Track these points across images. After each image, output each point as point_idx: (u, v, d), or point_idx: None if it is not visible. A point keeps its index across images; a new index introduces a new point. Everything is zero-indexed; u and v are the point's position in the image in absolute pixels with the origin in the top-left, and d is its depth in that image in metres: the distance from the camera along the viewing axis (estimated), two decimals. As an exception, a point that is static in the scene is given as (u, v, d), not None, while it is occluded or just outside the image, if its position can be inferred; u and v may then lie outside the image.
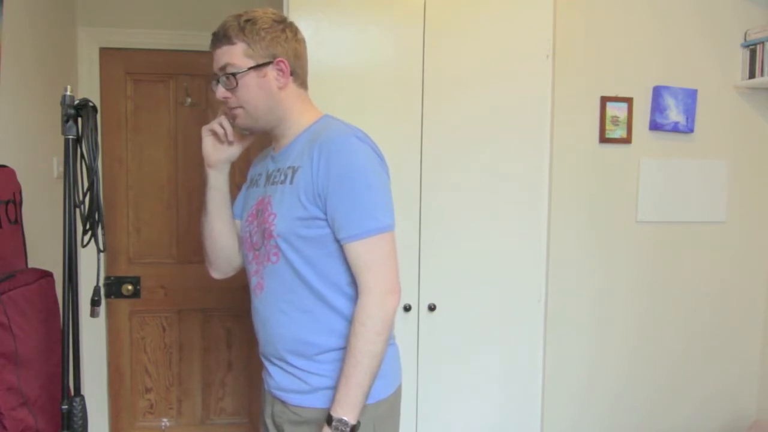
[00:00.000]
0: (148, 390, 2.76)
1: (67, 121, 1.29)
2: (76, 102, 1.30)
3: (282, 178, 1.35)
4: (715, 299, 2.41)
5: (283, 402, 1.38)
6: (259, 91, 1.33)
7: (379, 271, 1.26)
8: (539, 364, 2.23)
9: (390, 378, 1.39)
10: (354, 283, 1.31)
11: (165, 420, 2.77)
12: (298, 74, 1.37)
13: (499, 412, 2.21)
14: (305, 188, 1.28)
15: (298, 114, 1.38)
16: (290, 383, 1.36)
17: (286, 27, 1.36)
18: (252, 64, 1.31)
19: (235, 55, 1.31)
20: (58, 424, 1.36)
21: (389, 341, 1.36)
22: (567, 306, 2.29)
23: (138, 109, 2.69)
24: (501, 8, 2.11)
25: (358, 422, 1.24)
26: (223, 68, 1.32)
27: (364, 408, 1.28)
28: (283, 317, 1.35)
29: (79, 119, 1.31)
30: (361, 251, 1.26)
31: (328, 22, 2.04)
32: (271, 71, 1.32)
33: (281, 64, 1.33)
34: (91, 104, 1.31)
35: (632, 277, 2.34)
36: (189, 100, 2.70)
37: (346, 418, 1.22)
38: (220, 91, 1.34)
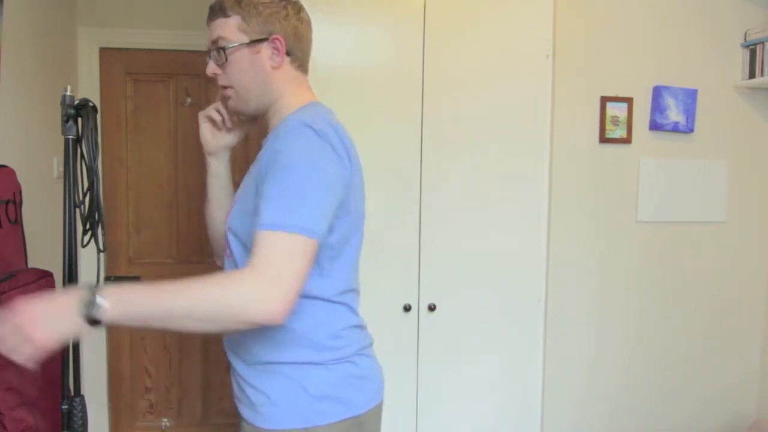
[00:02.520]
0: (148, 390, 2.76)
1: (67, 121, 1.29)
2: (76, 102, 1.30)
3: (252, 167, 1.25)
4: (715, 299, 2.41)
5: (239, 412, 1.26)
6: (250, 69, 1.21)
7: (265, 269, 0.99)
8: (539, 364, 2.23)
9: (341, 402, 1.17)
10: (303, 295, 1.11)
11: (165, 420, 2.77)
12: (297, 55, 1.24)
13: (500, 412, 2.21)
14: (255, 175, 1.16)
15: (289, 98, 1.24)
16: (238, 392, 1.24)
17: (287, 4, 1.23)
18: (245, 39, 1.19)
19: (229, 28, 1.20)
20: (58, 424, 1.36)
21: (346, 358, 1.19)
22: (567, 306, 2.29)
23: (138, 109, 2.69)
24: (501, 8, 2.11)
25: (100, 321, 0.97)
26: (215, 42, 1.22)
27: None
28: None
29: (79, 119, 1.31)
30: (266, 241, 1.01)
31: (328, 22, 2.04)
32: (265, 49, 1.20)
33: (277, 42, 1.20)
34: (91, 104, 1.31)
35: (632, 277, 2.34)
36: (189, 100, 2.70)
37: (101, 301, 0.96)
38: (210, 67, 1.24)
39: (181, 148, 2.72)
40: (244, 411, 1.21)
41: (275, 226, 1.01)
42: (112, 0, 2.61)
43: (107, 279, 2.67)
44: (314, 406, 1.14)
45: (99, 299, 0.95)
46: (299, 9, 1.26)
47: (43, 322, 0.95)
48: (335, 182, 1.11)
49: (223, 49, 1.21)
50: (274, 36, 1.20)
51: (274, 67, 1.22)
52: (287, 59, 1.23)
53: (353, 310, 1.25)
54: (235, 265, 1.21)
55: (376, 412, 1.25)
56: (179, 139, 2.71)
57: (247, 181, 1.22)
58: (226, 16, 1.21)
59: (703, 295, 2.39)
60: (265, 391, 1.16)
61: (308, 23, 1.28)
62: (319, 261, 1.13)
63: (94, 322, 0.97)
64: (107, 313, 0.96)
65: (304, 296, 1.12)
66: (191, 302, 0.97)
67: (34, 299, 0.98)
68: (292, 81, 1.26)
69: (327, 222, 1.08)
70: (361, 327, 1.27)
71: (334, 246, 1.15)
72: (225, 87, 1.26)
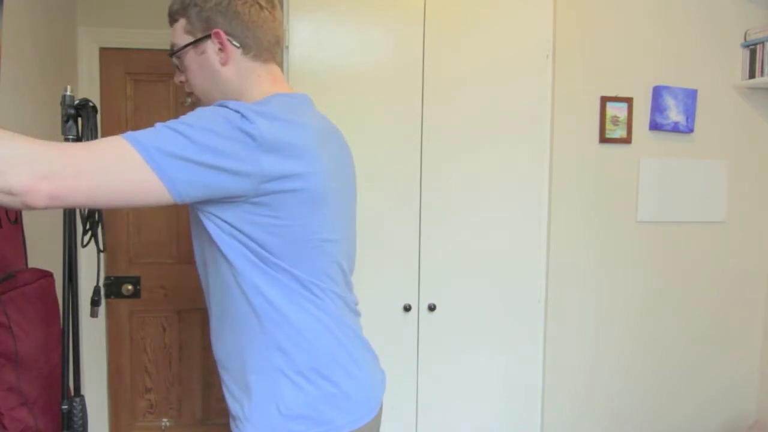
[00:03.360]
0: (148, 390, 2.76)
1: (67, 121, 1.29)
2: (76, 102, 1.30)
3: None
4: (715, 299, 2.41)
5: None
6: (201, 70, 1.15)
7: (60, 152, 0.87)
8: (539, 364, 2.23)
9: (317, 422, 1.09)
10: (259, 296, 1.06)
11: (165, 420, 2.77)
12: (249, 45, 1.14)
13: (500, 412, 2.21)
14: None
15: (252, 94, 1.15)
16: (225, 399, 1.19)
17: None
18: (190, 39, 1.14)
19: (177, 33, 1.15)
20: (58, 424, 1.36)
21: (311, 371, 1.09)
22: (567, 306, 2.29)
23: (138, 109, 2.69)
24: (501, 8, 2.11)
25: None
26: (171, 49, 1.18)
27: None
28: (212, 321, 1.20)
29: (79, 119, 1.31)
30: (100, 138, 0.93)
31: (328, 22, 2.04)
32: (210, 46, 1.13)
33: (218, 36, 1.12)
34: (91, 104, 1.31)
35: (632, 277, 2.34)
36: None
37: None
38: (176, 75, 1.21)
39: (181, 148, 2.71)
40: (230, 421, 1.17)
41: (125, 135, 0.92)
42: (112, 0, 2.61)
43: (107, 279, 2.67)
44: (287, 425, 1.07)
45: None
46: None
47: None
48: (219, 148, 0.95)
49: (174, 54, 1.17)
50: (214, 30, 1.12)
51: (222, 64, 1.14)
52: (237, 51, 1.14)
53: (324, 309, 1.13)
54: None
55: (368, 429, 1.15)
56: (179, 139, 2.71)
57: None
58: (174, 20, 1.17)
59: (703, 295, 2.39)
60: (242, 405, 1.11)
61: (262, 6, 1.16)
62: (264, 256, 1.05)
63: None
64: None
65: (262, 298, 1.07)
66: None
67: None
68: (249, 73, 1.16)
69: (182, 168, 0.93)
70: (342, 325, 1.16)
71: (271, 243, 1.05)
72: (188, 93, 1.22)
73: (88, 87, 2.59)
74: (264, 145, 0.98)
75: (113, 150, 0.90)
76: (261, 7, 1.15)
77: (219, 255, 1.07)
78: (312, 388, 1.09)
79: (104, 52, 2.64)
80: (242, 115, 0.98)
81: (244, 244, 1.04)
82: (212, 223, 1.04)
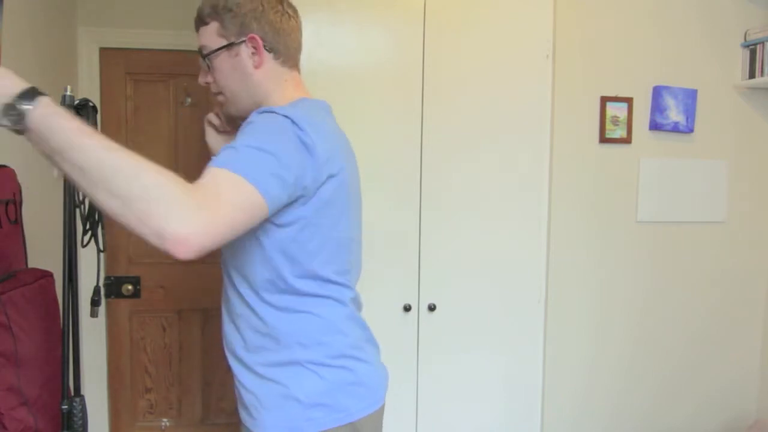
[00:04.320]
0: (148, 390, 2.76)
1: (67, 121, 1.29)
2: (76, 102, 1.30)
3: None
4: (715, 299, 2.41)
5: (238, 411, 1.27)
6: (233, 72, 1.21)
7: (205, 193, 0.89)
8: (539, 364, 2.23)
9: (334, 409, 1.15)
10: (283, 291, 1.13)
11: (165, 420, 2.77)
12: (279, 51, 1.22)
13: (500, 412, 2.21)
14: None
15: (278, 96, 1.23)
16: (236, 390, 1.24)
17: (264, 0, 1.22)
18: (224, 43, 1.20)
19: (209, 35, 1.21)
20: (58, 424, 1.36)
21: (340, 357, 1.17)
22: (567, 306, 2.29)
23: (138, 109, 2.69)
24: (501, 8, 2.11)
25: (23, 127, 0.87)
26: (200, 51, 1.24)
27: None
28: (225, 319, 1.24)
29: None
30: (210, 174, 0.94)
31: (328, 22, 2.04)
32: (244, 50, 1.19)
33: (254, 41, 1.19)
34: (91, 104, 1.31)
35: (632, 277, 2.34)
36: (189, 100, 2.70)
37: (26, 109, 0.85)
38: (201, 76, 1.27)
39: (181, 149, 2.71)
40: (242, 413, 1.21)
41: (225, 165, 0.95)
42: (112, 0, 2.61)
43: (107, 279, 2.67)
44: (306, 413, 1.13)
45: (26, 106, 0.85)
46: (276, 2, 1.23)
47: None
48: (292, 161, 1.03)
49: (207, 56, 1.22)
50: (250, 35, 1.19)
51: (255, 67, 1.21)
52: (269, 56, 1.21)
53: (342, 303, 1.21)
54: (223, 264, 1.21)
55: (375, 418, 1.22)
56: (179, 139, 2.71)
57: None
58: (205, 23, 1.22)
59: (703, 295, 2.39)
60: (258, 396, 1.16)
61: (290, 16, 1.24)
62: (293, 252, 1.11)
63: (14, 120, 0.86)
64: (27, 120, 0.85)
65: (287, 293, 1.13)
66: (120, 170, 0.83)
67: None
68: (278, 78, 1.24)
69: (277, 185, 0.99)
70: (354, 319, 1.23)
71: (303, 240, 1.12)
72: (216, 93, 1.27)
73: (88, 87, 2.59)
74: (315, 152, 1.06)
75: (235, 188, 0.93)
76: (289, 16, 1.24)
77: (250, 250, 1.12)
78: (331, 376, 1.15)
79: (104, 52, 2.64)
80: (296, 124, 1.06)
81: (280, 242, 1.10)
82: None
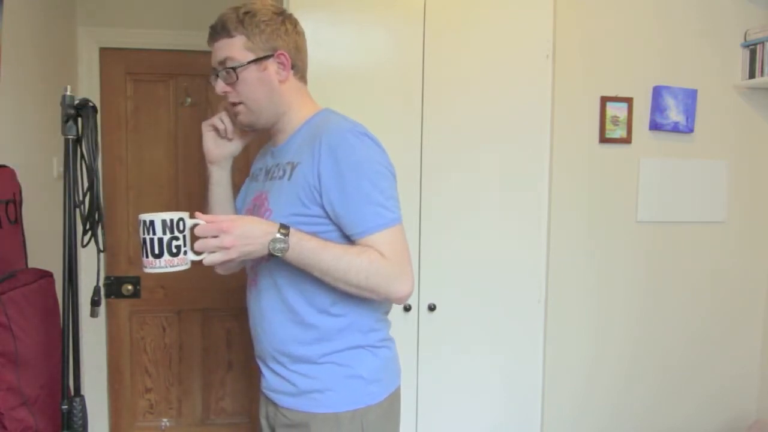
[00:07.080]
0: (148, 390, 2.76)
1: (67, 121, 1.29)
2: (76, 102, 1.30)
3: (280, 173, 1.32)
4: (715, 299, 2.41)
5: (274, 403, 1.37)
6: (260, 86, 1.30)
7: (397, 259, 1.22)
8: (539, 364, 2.23)
9: (384, 382, 1.36)
10: (338, 303, 1.29)
11: (165, 420, 2.77)
12: (299, 67, 1.35)
13: (499, 412, 2.21)
14: (304, 185, 1.24)
15: (297, 108, 1.35)
16: (279, 384, 1.35)
17: (285, 19, 1.33)
18: (252, 57, 1.28)
19: (235, 48, 1.28)
20: (58, 424, 1.36)
21: (384, 340, 1.38)
22: (567, 306, 2.29)
23: (138, 109, 2.69)
24: (501, 8, 2.11)
25: (283, 249, 1.15)
26: (222, 62, 1.29)
27: (353, 414, 1.28)
28: (273, 317, 1.33)
29: (79, 119, 1.30)
30: (383, 239, 1.22)
31: (328, 22, 2.04)
32: (271, 64, 1.30)
33: (282, 57, 1.30)
34: (91, 104, 1.31)
35: (632, 277, 2.34)
36: (189, 100, 2.70)
37: (285, 246, 1.15)
38: (220, 86, 1.31)
39: (181, 148, 2.72)
40: (291, 401, 1.32)
41: (376, 227, 1.22)
42: (112, 0, 2.61)
43: (107, 279, 2.67)
44: (367, 388, 1.31)
45: (286, 243, 1.14)
46: (295, 23, 1.36)
47: (240, 241, 1.12)
48: (391, 174, 1.30)
49: (233, 68, 1.28)
50: (279, 52, 1.30)
51: (281, 81, 1.32)
52: (292, 72, 1.33)
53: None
54: (282, 268, 1.29)
55: (398, 390, 1.44)
56: (179, 139, 2.71)
57: (282, 186, 1.30)
58: (230, 36, 1.28)
59: (703, 295, 2.39)
60: (322, 379, 1.29)
61: (304, 35, 1.38)
62: None
63: (273, 255, 1.15)
64: (286, 254, 1.15)
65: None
66: (347, 270, 1.18)
67: (244, 219, 1.18)
68: (298, 92, 1.36)
69: (399, 205, 1.29)
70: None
71: None
72: (236, 104, 1.33)
73: (88, 87, 2.59)
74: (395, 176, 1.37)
75: (401, 234, 1.26)
76: (304, 37, 1.38)
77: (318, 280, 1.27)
78: (383, 354, 1.36)
79: (104, 52, 2.64)
80: (379, 146, 1.30)
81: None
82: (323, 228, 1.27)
